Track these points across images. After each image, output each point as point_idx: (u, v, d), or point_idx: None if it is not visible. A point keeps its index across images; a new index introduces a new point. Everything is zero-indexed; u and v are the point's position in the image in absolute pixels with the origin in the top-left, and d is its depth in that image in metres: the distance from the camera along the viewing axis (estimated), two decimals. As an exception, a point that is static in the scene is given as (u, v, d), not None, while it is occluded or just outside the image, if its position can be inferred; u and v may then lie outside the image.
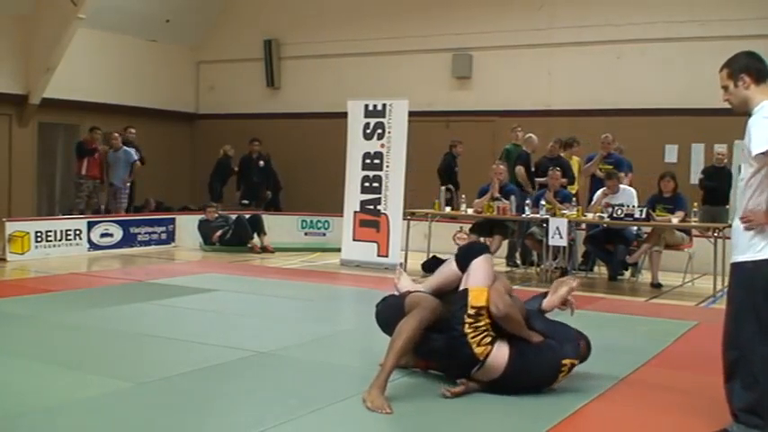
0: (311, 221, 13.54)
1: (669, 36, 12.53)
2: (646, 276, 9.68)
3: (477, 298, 4.29)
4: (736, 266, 3.69)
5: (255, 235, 12.21)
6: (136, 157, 13.17)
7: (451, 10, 14.15)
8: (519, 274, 10.30)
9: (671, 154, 12.63)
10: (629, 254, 9.56)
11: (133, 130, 13.67)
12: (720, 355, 3.72)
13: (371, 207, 10.80)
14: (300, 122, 15.66)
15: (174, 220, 13.12)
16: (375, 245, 10.71)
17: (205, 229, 12.46)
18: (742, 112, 3.72)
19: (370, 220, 10.80)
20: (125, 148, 13.12)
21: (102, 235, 11.80)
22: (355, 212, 10.93)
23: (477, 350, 4.25)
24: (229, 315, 6.87)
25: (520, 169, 11.02)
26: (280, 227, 13.13)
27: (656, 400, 4.45)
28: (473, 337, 4.25)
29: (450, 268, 4.60)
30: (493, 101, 13.99)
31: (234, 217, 12.55)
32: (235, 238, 12.22)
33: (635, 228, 9.57)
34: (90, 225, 11.65)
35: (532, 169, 11.12)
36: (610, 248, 9.70)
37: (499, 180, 10.30)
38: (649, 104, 12.64)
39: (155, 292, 7.83)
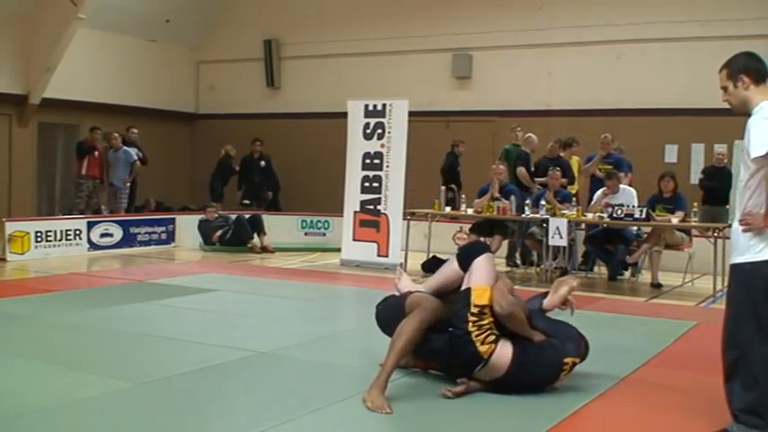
0: (311, 221, 13.55)
1: (669, 36, 12.53)
2: (646, 276, 9.68)
3: (479, 297, 4.29)
4: (736, 268, 3.69)
5: (255, 235, 12.21)
6: (136, 157, 13.17)
7: (451, 10, 14.15)
8: (519, 274, 10.29)
9: (671, 154, 12.63)
10: (629, 254, 9.56)
11: (135, 130, 13.69)
12: (720, 355, 3.72)
13: (371, 207, 10.80)
14: (300, 122, 15.66)
15: (174, 220, 13.13)
16: (375, 245, 10.71)
17: (205, 229, 12.46)
18: (742, 112, 3.72)
19: (370, 220, 10.80)
20: (125, 148, 13.12)
21: (102, 235, 11.80)
22: (355, 212, 10.93)
23: (482, 348, 4.26)
24: (229, 315, 6.87)
25: (521, 170, 11.01)
26: (280, 227, 13.14)
27: (656, 400, 4.45)
28: (477, 336, 4.25)
29: (450, 268, 4.60)
30: (493, 101, 13.99)
31: (234, 217, 12.55)
32: (235, 238, 12.22)
33: (635, 228, 9.57)
34: (90, 225, 11.65)
35: (532, 169, 11.12)
36: (610, 248, 9.70)
37: (499, 180, 10.30)
38: (649, 104, 12.64)
39: (155, 292, 7.83)
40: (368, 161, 10.83)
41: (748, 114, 3.66)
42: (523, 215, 9.66)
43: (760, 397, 3.57)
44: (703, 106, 11.11)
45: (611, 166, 10.21)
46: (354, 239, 10.93)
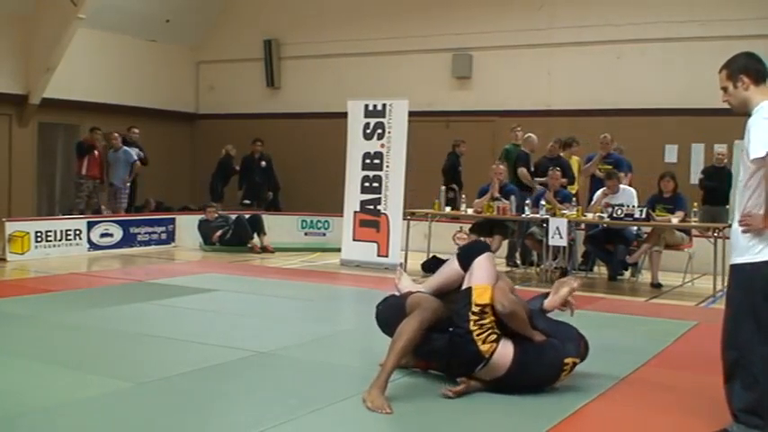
0: (311, 221, 13.55)
1: (669, 36, 12.53)
2: (646, 276, 9.68)
3: (480, 296, 4.30)
4: (735, 268, 3.69)
5: (255, 235, 12.21)
6: (136, 157, 13.17)
7: (451, 10, 14.15)
8: (519, 274, 10.29)
9: (671, 154, 12.63)
10: (629, 254, 9.56)
11: (136, 130, 13.71)
12: (720, 355, 3.72)
13: (371, 207, 10.80)
14: (300, 122, 15.67)
15: (174, 220, 13.13)
16: (375, 245, 10.71)
17: (205, 229, 12.47)
18: (742, 112, 3.72)
19: (370, 220, 10.80)
20: (125, 148, 13.12)
21: (102, 235, 11.80)
22: (355, 212, 10.93)
23: (483, 347, 4.26)
24: (229, 315, 6.87)
25: (523, 171, 11.01)
26: (280, 227, 13.14)
27: (656, 400, 4.45)
28: (478, 335, 4.25)
29: (451, 268, 4.60)
30: (493, 101, 14.00)
31: (234, 217, 12.55)
32: (235, 238, 12.22)
33: (635, 228, 9.57)
34: (90, 225, 11.65)
35: (532, 169, 11.12)
36: (610, 248, 9.70)
37: (499, 180, 10.30)
38: (649, 104, 12.64)
39: (155, 292, 7.83)
40: (368, 161, 10.83)
41: (748, 114, 3.66)
42: (523, 215, 9.66)
43: (760, 397, 3.57)
44: (703, 106, 11.10)
45: (610, 166, 10.21)
46: (354, 239, 10.93)
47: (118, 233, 12.03)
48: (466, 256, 4.51)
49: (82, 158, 13.05)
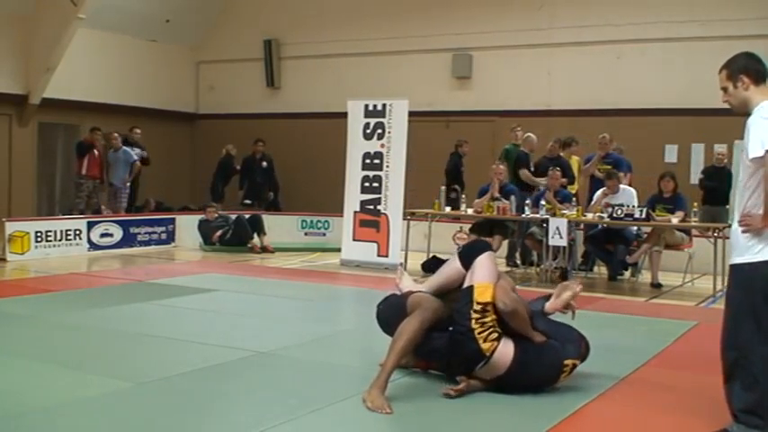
0: (311, 221, 13.55)
1: (669, 36, 12.53)
2: (646, 276, 9.68)
3: (482, 294, 4.30)
4: (735, 268, 3.70)
5: (255, 235, 12.21)
6: (135, 157, 13.18)
7: (451, 10, 14.15)
8: (519, 274, 10.29)
9: (671, 154, 12.62)
10: (629, 254, 9.56)
11: (138, 131, 13.73)
12: (720, 355, 3.72)
13: (371, 207, 10.80)
14: (300, 122, 15.67)
15: (174, 220, 13.13)
16: (375, 245, 10.71)
17: (205, 229, 12.47)
18: (742, 112, 3.71)
19: (370, 220, 10.80)
20: (125, 148, 13.13)
21: (102, 235, 11.80)
22: (355, 212, 10.93)
23: (484, 346, 4.26)
24: (229, 315, 6.87)
25: (525, 173, 11.01)
26: (280, 227, 13.14)
27: (656, 400, 4.45)
28: (480, 333, 4.26)
29: (451, 267, 4.61)
30: (493, 101, 13.99)
31: (234, 217, 12.55)
32: (235, 238, 12.22)
33: (635, 228, 9.57)
34: (90, 225, 11.65)
35: (532, 169, 11.12)
36: (610, 248, 9.70)
37: (499, 180, 10.30)
38: (649, 104, 12.63)
39: (155, 292, 7.83)
40: (368, 161, 10.83)
41: (748, 114, 3.66)
42: (523, 215, 9.67)
43: (760, 397, 3.57)
44: (703, 106, 11.10)
45: (609, 166, 10.20)
46: (354, 239, 10.93)
47: (118, 233, 12.03)
48: (467, 255, 4.52)
49: (82, 158, 13.05)
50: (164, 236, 12.81)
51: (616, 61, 13.09)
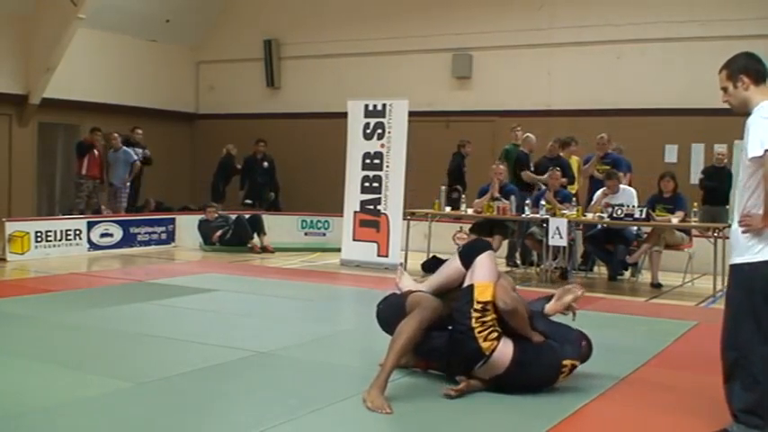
0: (311, 221, 13.55)
1: (669, 36, 12.53)
2: (646, 276, 9.68)
3: (482, 293, 4.30)
4: (735, 268, 3.70)
5: (255, 235, 12.21)
6: (135, 157, 13.18)
7: (451, 10, 14.15)
8: (519, 274, 10.29)
9: (671, 154, 12.62)
10: (629, 254, 9.56)
11: (140, 131, 13.74)
12: (720, 355, 3.72)
13: (371, 207, 10.81)
14: (300, 122, 15.66)
15: (174, 220, 13.13)
16: (375, 245, 10.71)
17: (205, 229, 12.46)
18: (742, 112, 3.71)
19: (370, 220, 10.80)
20: (124, 148, 13.13)
21: (102, 235, 11.80)
22: (355, 212, 10.93)
23: (484, 345, 4.26)
24: (229, 315, 6.87)
25: (527, 173, 11.01)
26: (280, 227, 13.14)
27: (656, 400, 4.45)
28: (480, 332, 4.26)
29: (451, 267, 4.61)
30: (493, 101, 13.99)
31: (234, 217, 12.55)
32: (235, 238, 12.22)
33: (635, 228, 9.57)
34: (90, 225, 11.65)
35: (532, 169, 11.12)
36: (610, 248, 9.70)
37: (499, 180, 10.30)
38: (649, 104, 12.63)
39: (155, 292, 7.83)
40: (368, 161, 10.83)
41: (748, 114, 3.66)
42: (523, 215, 9.67)
43: (760, 397, 3.57)
44: (703, 106, 11.09)
45: (608, 166, 10.20)
46: (354, 239, 10.93)
47: (118, 233, 12.03)
48: (468, 254, 4.52)
49: (82, 158, 13.05)
50: (164, 236, 12.82)
51: (616, 61, 13.09)
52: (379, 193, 10.74)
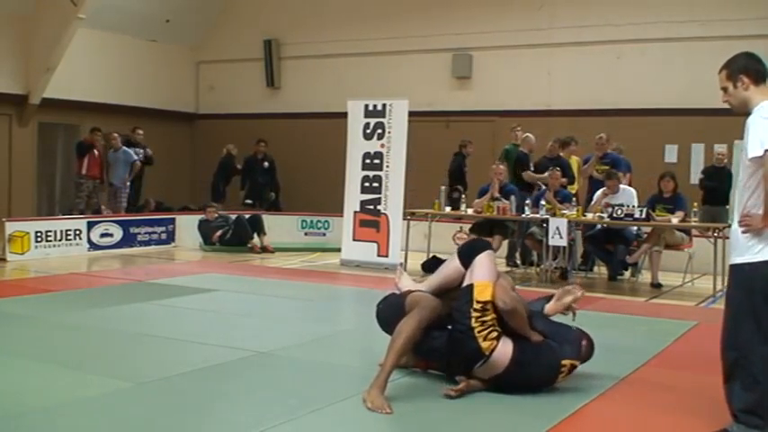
0: (311, 221, 13.55)
1: (669, 36, 12.53)
2: (646, 276, 9.68)
3: (482, 292, 4.30)
4: (735, 268, 3.70)
5: (255, 235, 12.21)
6: (135, 157, 13.18)
7: (451, 10, 14.15)
8: (519, 274, 10.29)
9: (671, 154, 12.62)
10: (629, 254, 9.56)
11: (141, 131, 13.74)
12: (720, 355, 3.72)
13: (371, 207, 10.81)
14: (300, 122, 15.66)
15: (174, 220, 13.13)
16: (375, 245, 10.71)
17: (205, 229, 12.46)
18: (742, 112, 3.71)
19: (370, 220, 10.80)
20: (124, 148, 13.13)
21: (102, 235, 11.80)
22: (355, 212, 10.93)
23: (484, 344, 4.26)
24: (229, 315, 6.87)
25: (528, 174, 11.01)
26: (280, 227, 13.14)
27: (656, 400, 4.45)
28: (480, 332, 4.26)
29: (451, 267, 4.61)
30: (493, 101, 13.99)
31: (234, 217, 12.55)
32: (235, 238, 12.22)
33: (635, 228, 9.57)
34: (90, 225, 11.65)
35: (531, 169, 11.12)
36: (610, 248, 9.70)
37: (499, 180, 10.30)
38: (649, 104, 12.63)
39: (155, 292, 7.83)
40: (368, 161, 10.83)
41: (748, 114, 3.66)
42: (523, 215, 9.67)
43: (760, 397, 3.57)
44: (703, 106, 11.09)
45: (608, 166, 10.20)
46: (354, 239, 10.93)
47: (118, 233, 12.03)
48: (467, 254, 4.52)
49: (82, 158, 13.06)
50: (164, 236, 12.81)
51: (616, 61, 13.09)
52: (379, 193, 10.74)
